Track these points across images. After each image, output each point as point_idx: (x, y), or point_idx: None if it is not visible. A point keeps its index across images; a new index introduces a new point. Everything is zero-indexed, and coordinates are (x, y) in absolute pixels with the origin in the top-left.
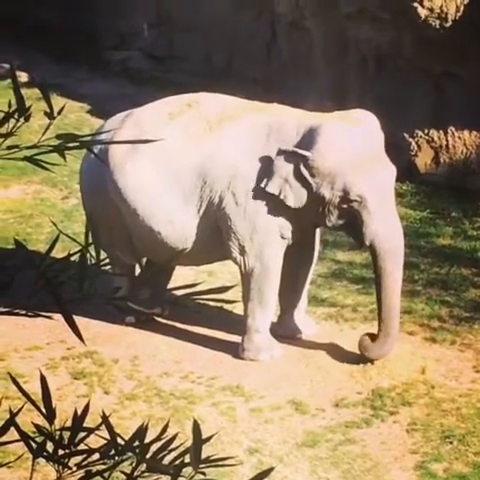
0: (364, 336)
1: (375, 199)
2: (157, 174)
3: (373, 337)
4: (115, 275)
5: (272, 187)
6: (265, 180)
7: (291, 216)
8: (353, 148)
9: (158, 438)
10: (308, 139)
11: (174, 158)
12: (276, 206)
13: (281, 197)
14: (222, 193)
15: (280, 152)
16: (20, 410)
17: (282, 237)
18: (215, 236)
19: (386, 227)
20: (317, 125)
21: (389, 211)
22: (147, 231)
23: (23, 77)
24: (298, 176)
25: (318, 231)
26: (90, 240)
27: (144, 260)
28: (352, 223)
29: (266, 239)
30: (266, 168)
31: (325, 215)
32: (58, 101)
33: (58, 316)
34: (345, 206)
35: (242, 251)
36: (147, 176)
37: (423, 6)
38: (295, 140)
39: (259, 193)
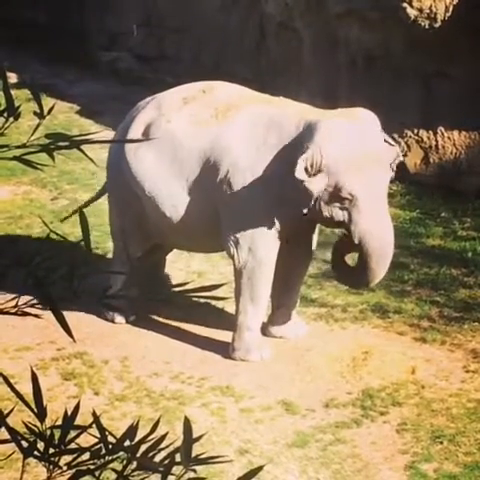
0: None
1: (366, 198)
2: (164, 157)
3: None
4: (109, 273)
5: (271, 182)
6: (265, 174)
7: (286, 209)
8: (349, 145)
9: (148, 435)
10: (306, 134)
11: (180, 142)
12: (272, 199)
13: (280, 191)
14: (221, 182)
15: (279, 146)
16: (12, 411)
17: (278, 230)
18: (216, 224)
19: (376, 227)
20: (316, 121)
21: (380, 211)
22: (156, 213)
23: (12, 78)
24: (294, 171)
25: (316, 232)
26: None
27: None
28: (340, 222)
29: (260, 233)
30: (264, 161)
31: (316, 212)
32: (47, 102)
33: (48, 316)
34: (336, 203)
35: (237, 245)
36: (156, 158)
37: (412, 6)
38: (294, 134)
39: (255, 185)
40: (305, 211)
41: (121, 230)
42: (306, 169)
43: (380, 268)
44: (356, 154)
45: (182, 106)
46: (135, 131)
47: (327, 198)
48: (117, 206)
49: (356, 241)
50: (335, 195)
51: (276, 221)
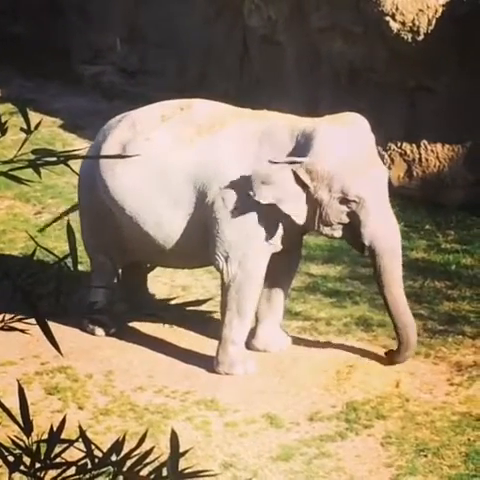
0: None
1: (373, 199)
2: (146, 175)
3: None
4: (94, 287)
5: (268, 196)
6: (260, 189)
7: (283, 223)
8: (348, 150)
9: (135, 450)
10: (304, 144)
11: (163, 160)
12: (267, 213)
13: (279, 206)
14: (212, 199)
15: (275, 160)
16: None
17: (270, 244)
18: (203, 240)
19: (384, 226)
20: (311, 129)
21: (386, 211)
22: (136, 231)
23: None
24: (297, 182)
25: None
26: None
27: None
28: (349, 227)
29: (252, 248)
30: (259, 175)
31: (322, 219)
32: (31, 116)
33: (33, 330)
34: (344, 208)
35: (226, 258)
36: (136, 177)
37: (395, 20)
38: (289, 146)
39: (249, 200)
40: (301, 222)
41: (100, 245)
42: (312, 178)
43: (397, 266)
44: (356, 157)
45: (160, 124)
46: (110, 150)
47: (334, 204)
48: (92, 225)
49: (366, 243)
50: (342, 200)
51: (269, 235)
